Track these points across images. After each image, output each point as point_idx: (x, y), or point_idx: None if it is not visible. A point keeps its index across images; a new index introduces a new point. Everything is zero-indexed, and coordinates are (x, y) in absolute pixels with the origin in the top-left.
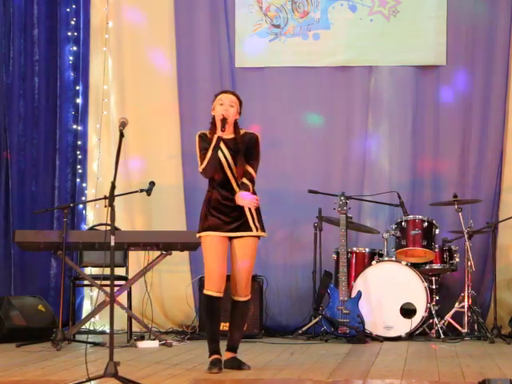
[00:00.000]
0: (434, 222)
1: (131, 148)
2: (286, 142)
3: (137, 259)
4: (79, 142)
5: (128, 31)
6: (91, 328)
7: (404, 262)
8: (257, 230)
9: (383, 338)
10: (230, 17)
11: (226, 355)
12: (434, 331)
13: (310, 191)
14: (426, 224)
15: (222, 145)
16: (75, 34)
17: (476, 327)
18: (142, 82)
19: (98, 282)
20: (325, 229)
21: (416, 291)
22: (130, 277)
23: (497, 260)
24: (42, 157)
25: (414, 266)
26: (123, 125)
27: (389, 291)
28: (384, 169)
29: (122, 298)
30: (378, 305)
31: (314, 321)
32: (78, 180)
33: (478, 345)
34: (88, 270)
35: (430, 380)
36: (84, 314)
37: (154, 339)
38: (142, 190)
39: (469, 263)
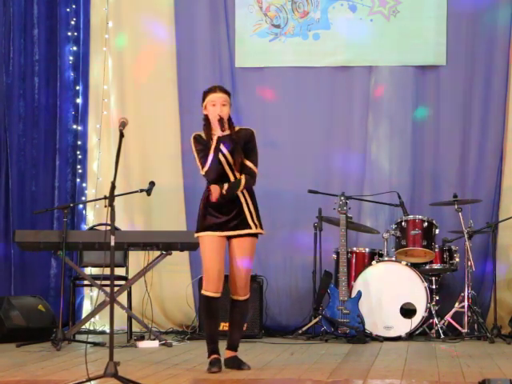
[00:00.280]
0: (433, 222)
1: (131, 148)
2: (285, 141)
3: (137, 259)
4: (79, 142)
5: (128, 31)
6: (91, 328)
7: (404, 262)
8: (256, 228)
9: (383, 338)
10: (230, 17)
11: (226, 354)
12: (433, 331)
13: (310, 191)
14: (425, 224)
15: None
16: (75, 34)
17: (476, 327)
18: (142, 82)
19: (98, 282)
20: (325, 229)
21: (416, 291)
22: (130, 277)
23: (497, 260)
24: (41, 157)
25: (414, 266)
26: (123, 125)
27: (389, 291)
28: (384, 169)
29: (122, 298)
30: (378, 305)
31: (314, 321)
32: (78, 180)
33: (478, 345)
34: (88, 270)
35: (430, 380)
36: (84, 314)
37: (154, 339)
38: (142, 190)
39: (469, 263)
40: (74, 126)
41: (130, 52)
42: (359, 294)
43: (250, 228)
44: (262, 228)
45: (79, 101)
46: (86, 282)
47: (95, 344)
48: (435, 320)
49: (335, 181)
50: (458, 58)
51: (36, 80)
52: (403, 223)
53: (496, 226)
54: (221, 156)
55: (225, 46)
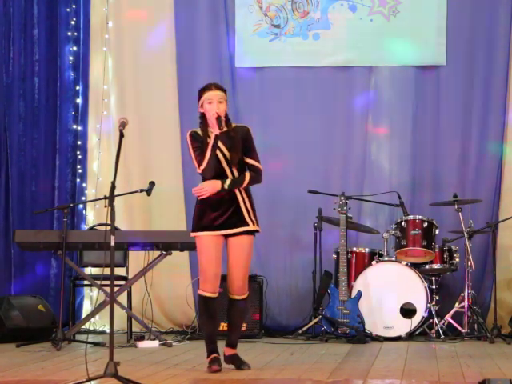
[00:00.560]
0: (434, 221)
1: (131, 148)
2: (285, 141)
3: (137, 259)
4: (79, 142)
5: (128, 31)
6: (91, 328)
7: (404, 262)
8: (253, 225)
9: (383, 338)
10: (230, 17)
11: (225, 351)
12: (433, 331)
13: (310, 191)
14: (426, 224)
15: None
16: (75, 34)
17: (476, 327)
18: (142, 82)
19: (98, 282)
20: (325, 229)
21: (416, 291)
22: (130, 277)
23: (497, 260)
24: (41, 157)
25: (414, 266)
26: (123, 125)
27: (389, 291)
28: (384, 169)
29: (122, 298)
30: (378, 305)
31: (314, 321)
32: (78, 180)
33: (478, 345)
34: (88, 270)
35: (430, 380)
36: (84, 314)
37: (154, 339)
38: (142, 190)
39: (469, 263)
40: (74, 126)
41: (130, 52)
42: (359, 294)
43: (248, 225)
44: (258, 225)
45: (79, 101)
46: (86, 282)
47: (95, 344)
48: (435, 320)
49: (335, 181)
50: (457, 58)
51: (36, 80)
52: (403, 223)
53: (496, 226)
54: (219, 153)
55: (225, 46)
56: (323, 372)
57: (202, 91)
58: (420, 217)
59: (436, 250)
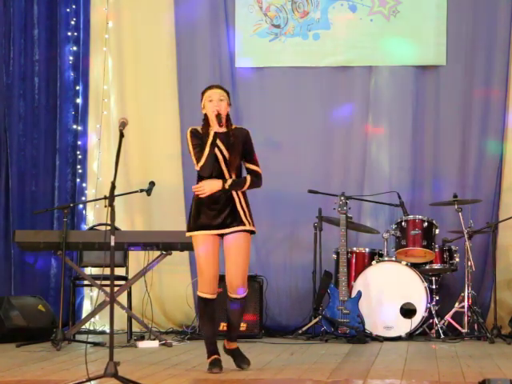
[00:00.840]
0: (434, 222)
1: (131, 148)
2: (285, 141)
3: (137, 259)
4: (79, 142)
5: (128, 31)
6: (91, 328)
7: (404, 262)
8: (249, 225)
9: (383, 338)
10: (230, 17)
11: (225, 344)
12: (433, 331)
13: (310, 191)
14: (425, 224)
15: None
16: (75, 34)
17: (476, 327)
18: (142, 82)
19: (98, 282)
20: (325, 229)
21: (416, 291)
22: (130, 277)
23: (497, 260)
24: (41, 157)
25: (414, 266)
26: (123, 125)
27: (389, 291)
28: (384, 169)
29: (122, 298)
30: (378, 305)
31: (314, 321)
32: (78, 180)
33: (478, 345)
34: (88, 270)
35: (430, 380)
36: (84, 314)
37: (154, 339)
38: (142, 190)
39: (469, 263)
40: (74, 126)
41: (130, 52)
42: (359, 294)
43: (244, 225)
44: (254, 226)
45: (79, 101)
46: (86, 282)
47: (95, 344)
48: (435, 320)
49: (335, 181)
50: (458, 58)
51: (36, 80)
52: (403, 223)
53: (496, 226)
54: (218, 153)
55: (225, 46)
56: (323, 372)
57: (203, 92)
58: (420, 217)
59: (436, 249)
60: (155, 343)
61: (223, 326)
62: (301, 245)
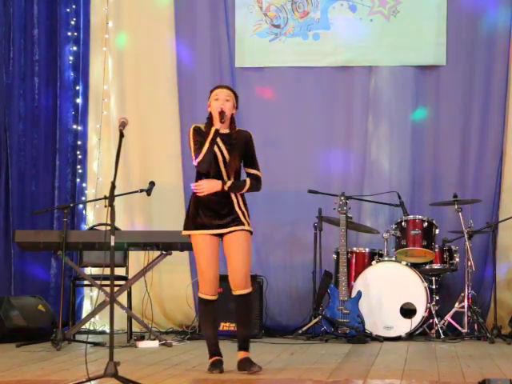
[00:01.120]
0: (434, 221)
1: (131, 148)
2: (285, 141)
3: (137, 259)
4: (79, 142)
5: (128, 31)
6: (91, 328)
7: (404, 262)
8: (248, 225)
9: (383, 338)
10: (230, 17)
11: (238, 355)
12: (433, 331)
13: (310, 191)
14: (425, 224)
15: (217, 139)
16: (75, 34)
17: (476, 327)
18: (142, 82)
19: (98, 282)
20: (325, 229)
21: (416, 291)
22: (130, 277)
23: (497, 260)
24: (41, 157)
25: (414, 266)
26: (123, 125)
27: (389, 291)
28: (384, 169)
29: (122, 298)
30: (378, 305)
31: (314, 321)
32: (78, 180)
33: (478, 345)
34: (88, 270)
35: (430, 380)
36: (84, 314)
37: (154, 339)
38: (142, 190)
39: (469, 263)
40: (74, 126)
41: (130, 52)
42: (359, 294)
43: (243, 225)
44: (251, 227)
45: (79, 101)
46: (86, 282)
47: (95, 344)
48: (435, 320)
49: (335, 181)
50: (458, 58)
51: (36, 80)
52: (403, 223)
53: (496, 226)
54: (218, 154)
55: (225, 46)
56: (323, 372)
57: (211, 90)
58: (420, 217)
59: (436, 249)
60: (155, 343)
61: (223, 326)
62: (301, 245)
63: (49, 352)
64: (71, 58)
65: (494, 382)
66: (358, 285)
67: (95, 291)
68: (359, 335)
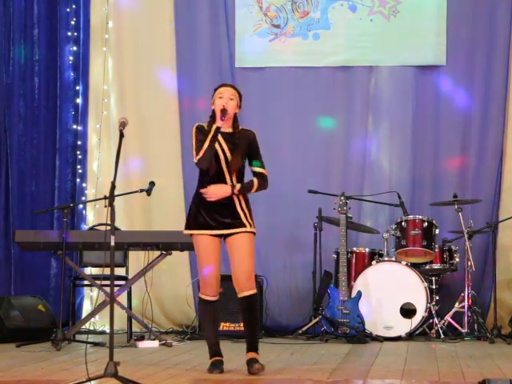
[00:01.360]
0: (434, 221)
1: (131, 148)
2: (285, 141)
3: (137, 259)
4: (79, 142)
5: (128, 31)
6: (91, 328)
7: (404, 262)
8: (250, 227)
9: (383, 338)
10: (229, 17)
11: (246, 356)
12: (433, 331)
13: (310, 191)
14: (426, 224)
15: (220, 138)
16: (75, 34)
17: (476, 327)
18: (142, 82)
19: (98, 282)
20: (325, 229)
21: (416, 291)
22: (130, 277)
23: (497, 260)
24: (41, 157)
25: (414, 266)
26: (123, 125)
27: (389, 291)
28: (384, 169)
29: (122, 298)
30: (378, 305)
31: (314, 321)
32: (78, 180)
33: (478, 345)
34: (88, 270)
35: (429, 380)
36: (84, 314)
37: (154, 339)
38: (142, 190)
39: (469, 263)
40: (74, 126)
41: (130, 52)
42: (359, 294)
43: (245, 226)
44: (254, 227)
45: (79, 101)
46: (86, 282)
47: (95, 344)
48: (435, 320)
49: (335, 181)
50: (458, 58)
51: (36, 80)
52: (403, 223)
53: (496, 225)
54: (220, 153)
55: (225, 46)
56: (323, 372)
57: (216, 89)
58: (420, 217)
59: (436, 249)
60: (155, 343)
61: (223, 326)
62: (301, 245)
63: (49, 352)
64: (71, 57)
65: (494, 382)
66: (358, 285)
67: (95, 291)
68: (359, 335)
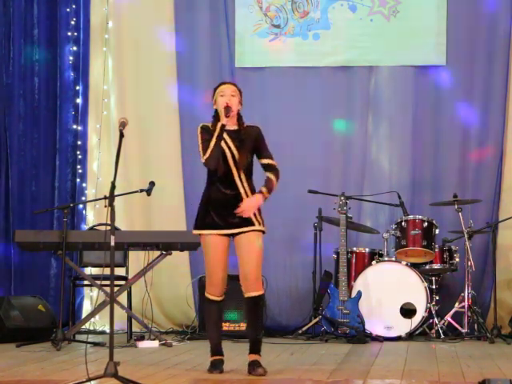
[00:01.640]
0: (433, 221)
1: (131, 148)
2: (285, 141)
3: (137, 259)
4: (79, 142)
5: (128, 31)
6: (91, 328)
7: (404, 262)
8: (259, 225)
9: (383, 338)
10: (230, 17)
11: (248, 358)
12: (433, 331)
13: (310, 191)
14: (425, 224)
15: (225, 136)
16: (75, 34)
17: (476, 327)
18: (142, 82)
19: (98, 282)
20: (325, 229)
21: (416, 291)
22: (130, 277)
23: (497, 260)
24: (41, 157)
25: (414, 266)
26: (123, 125)
27: (389, 291)
28: (384, 169)
29: (122, 298)
30: (378, 305)
31: (314, 321)
32: (78, 180)
33: (478, 345)
34: (88, 270)
35: (429, 380)
36: (84, 314)
37: (154, 339)
38: (142, 190)
39: (469, 263)
40: (74, 126)
41: (130, 52)
42: (359, 294)
43: (254, 225)
44: (264, 226)
45: (79, 101)
46: (86, 282)
47: (95, 344)
48: (435, 320)
49: (335, 181)
50: (458, 58)
51: (36, 80)
52: (403, 223)
53: (496, 225)
54: (227, 151)
55: (225, 46)
56: (323, 372)
57: (216, 88)
58: (420, 217)
59: (436, 249)
60: (155, 343)
61: (223, 326)
62: (301, 245)
63: (49, 352)
64: (71, 57)
65: (494, 382)
66: (358, 285)
67: (95, 291)
68: (359, 335)
